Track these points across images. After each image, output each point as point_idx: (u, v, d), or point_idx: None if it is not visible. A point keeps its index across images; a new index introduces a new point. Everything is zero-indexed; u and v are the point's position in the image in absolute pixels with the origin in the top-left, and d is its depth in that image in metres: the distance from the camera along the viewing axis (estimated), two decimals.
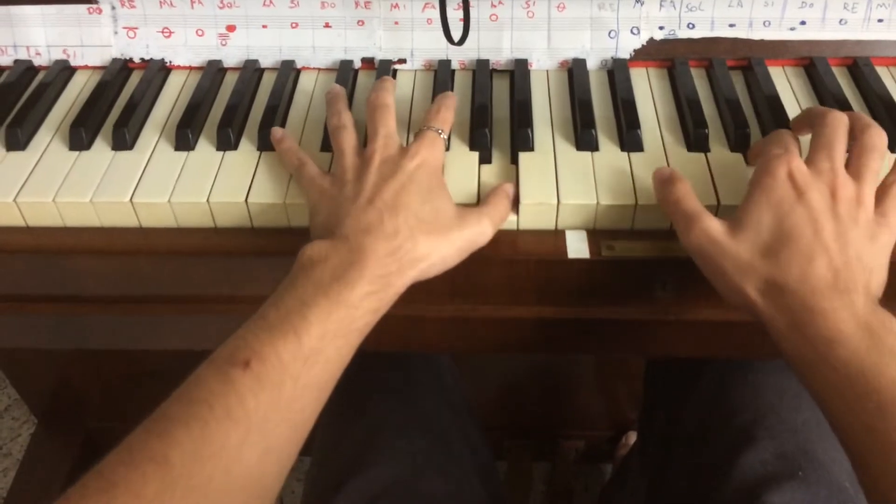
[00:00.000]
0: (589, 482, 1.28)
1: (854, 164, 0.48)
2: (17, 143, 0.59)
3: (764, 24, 0.64)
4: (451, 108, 0.57)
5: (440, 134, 0.54)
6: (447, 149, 0.57)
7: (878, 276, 0.46)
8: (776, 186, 0.46)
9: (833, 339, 0.43)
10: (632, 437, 1.21)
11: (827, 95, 0.61)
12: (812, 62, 0.64)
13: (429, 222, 0.48)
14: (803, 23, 0.64)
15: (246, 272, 0.56)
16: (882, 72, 0.64)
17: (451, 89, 0.64)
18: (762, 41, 0.64)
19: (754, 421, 0.63)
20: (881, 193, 0.48)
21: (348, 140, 0.54)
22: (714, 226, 0.47)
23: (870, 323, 0.43)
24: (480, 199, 0.54)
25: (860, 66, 0.64)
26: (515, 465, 1.22)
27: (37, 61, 0.67)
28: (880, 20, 0.63)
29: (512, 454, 1.22)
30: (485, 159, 0.57)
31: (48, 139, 0.61)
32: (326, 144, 0.58)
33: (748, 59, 0.64)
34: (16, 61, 0.67)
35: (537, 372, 1.17)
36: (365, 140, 0.54)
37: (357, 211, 0.48)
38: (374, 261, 0.45)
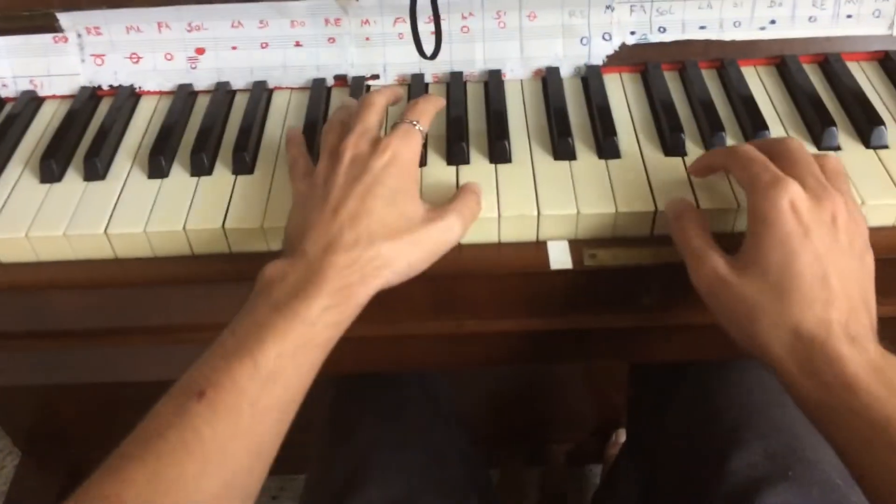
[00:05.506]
0: (581, 484, 1.28)
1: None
2: None
3: (734, 24, 0.64)
4: (432, 102, 0.55)
5: (415, 126, 0.52)
6: (424, 142, 0.55)
7: (874, 313, 0.45)
8: (782, 222, 0.44)
9: (851, 385, 0.41)
10: (622, 435, 1.21)
11: (799, 93, 0.61)
12: (784, 60, 0.65)
13: (392, 227, 0.47)
14: (773, 22, 0.64)
15: (227, 299, 0.55)
16: (853, 67, 0.64)
17: None
18: (733, 42, 0.64)
19: (740, 421, 0.63)
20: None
21: (329, 140, 0.53)
22: (722, 265, 0.46)
23: (882, 367, 0.42)
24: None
25: (831, 62, 0.64)
26: (508, 471, 1.21)
27: (3, 93, 0.66)
28: (849, 16, 0.64)
29: (504, 461, 1.22)
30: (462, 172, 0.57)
31: (18, 173, 0.59)
32: None
33: (721, 60, 0.65)
34: None
35: (522, 377, 1.16)
36: None
37: (322, 223, 0.47)
38: (333, 273, 0.44)
